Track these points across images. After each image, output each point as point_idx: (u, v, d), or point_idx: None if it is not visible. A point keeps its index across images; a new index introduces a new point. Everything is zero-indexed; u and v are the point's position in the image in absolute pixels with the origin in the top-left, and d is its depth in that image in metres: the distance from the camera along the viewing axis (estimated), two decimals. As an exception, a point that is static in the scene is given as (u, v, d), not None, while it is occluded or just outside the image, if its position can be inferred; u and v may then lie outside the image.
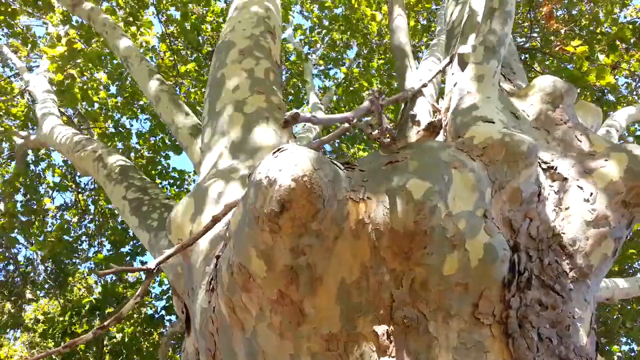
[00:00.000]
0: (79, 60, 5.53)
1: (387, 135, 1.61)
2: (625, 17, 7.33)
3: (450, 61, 2.63)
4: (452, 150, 1.43)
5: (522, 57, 7.56)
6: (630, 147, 1.74)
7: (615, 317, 6.81)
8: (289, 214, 1.12)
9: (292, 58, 9.06)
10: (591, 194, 1.59)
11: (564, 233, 1.49)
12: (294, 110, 0.87)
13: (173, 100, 3.58)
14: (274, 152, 1.21)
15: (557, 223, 1.51)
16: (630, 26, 7.18)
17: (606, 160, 1.69)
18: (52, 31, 6.39)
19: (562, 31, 7.17)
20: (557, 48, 7.08)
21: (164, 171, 6.90)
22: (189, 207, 1.84)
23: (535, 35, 7.48)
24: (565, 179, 1.63)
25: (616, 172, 1.63)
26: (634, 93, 7.73)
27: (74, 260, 7.63)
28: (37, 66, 7.53)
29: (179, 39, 7.45)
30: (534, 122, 1.90)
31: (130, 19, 6.46)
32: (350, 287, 1.19)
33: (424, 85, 2.45)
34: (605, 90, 6.88)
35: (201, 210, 1.80)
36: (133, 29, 7.49)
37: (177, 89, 7.62)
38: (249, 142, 2.14)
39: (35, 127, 6.80)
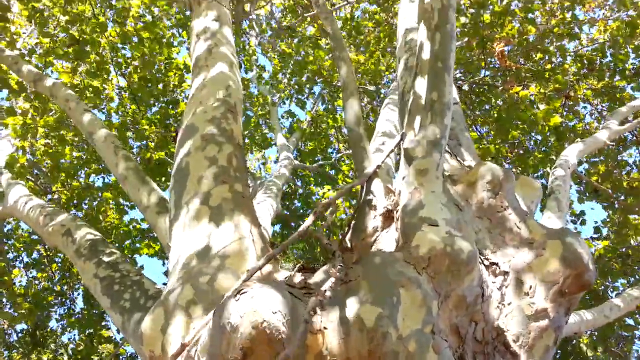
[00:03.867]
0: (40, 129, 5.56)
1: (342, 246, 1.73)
2: (573, 50, 7.75)
3: (402, 139, 2.81)
4: (400, 265, 1.57)
5: (479, 91, 7.89)
6: (564, 234, 1.90)
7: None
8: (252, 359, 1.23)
9: (257, 97, 9.20)
10: (530, 287, 1.74)
11: (507, 330, 1.63)
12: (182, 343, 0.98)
13: (139, 178, 3.65)
14: (236, 294, 1.32)
15: (501, 321, 1.65)
16: (579, 58, 7.61)
17: (543, 249, 1.86)
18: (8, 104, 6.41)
19: (514, 69, 7.52)
20: (508, 86, 7.46)
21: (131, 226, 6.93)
22: (159, 318, 1.91)
23: (489, 73, 7.81)
24: (507, 273, 1.78)
25: (552, 262, 1.79)
26: (593, 116, 8.03)
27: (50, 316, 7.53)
28: (1, 129, 7.47)
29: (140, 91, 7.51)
30: (477, 210, 2.06)
31: (93, 80, 6.52)
32: (313, 420, 1.30)
33: (378, 167, 2.60)
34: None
35: (170, 321, 1.88)
36: (95, 82, 7.53)
37: (144, 143, 7.66)
38: (215, 241, 2.24)
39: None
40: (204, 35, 3.71)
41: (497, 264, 1.80)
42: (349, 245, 2.17)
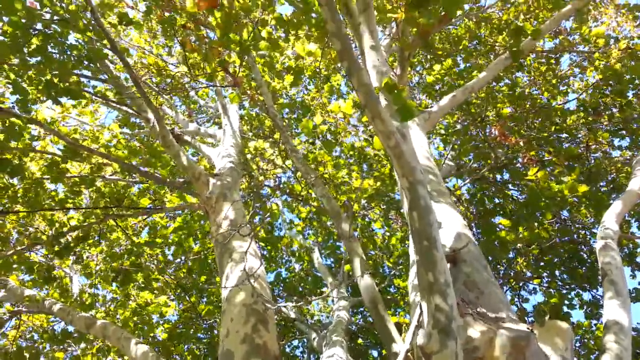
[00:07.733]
0: None
1: None
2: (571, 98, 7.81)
3: (421, 311, 2.82)
4: None
5: (499, 178, 7.87)
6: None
7: None
8: None
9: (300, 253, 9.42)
10: None
11: None
12: None
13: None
14: None
15: None
16: (582, 107, 7.64)
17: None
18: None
19: (521, 143, 7.55)
20: (525, 160, 7.44)
21: None
22: None
23: (500, 154, 7.85)
24: None
25: None
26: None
27: None
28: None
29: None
30: (510, 390, 2.01)
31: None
32: None
33: (408, 351, 2.59)
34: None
35: None
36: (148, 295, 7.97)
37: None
38: None
39: None
40: (221, 237, 3.96)
41: None
42: None
